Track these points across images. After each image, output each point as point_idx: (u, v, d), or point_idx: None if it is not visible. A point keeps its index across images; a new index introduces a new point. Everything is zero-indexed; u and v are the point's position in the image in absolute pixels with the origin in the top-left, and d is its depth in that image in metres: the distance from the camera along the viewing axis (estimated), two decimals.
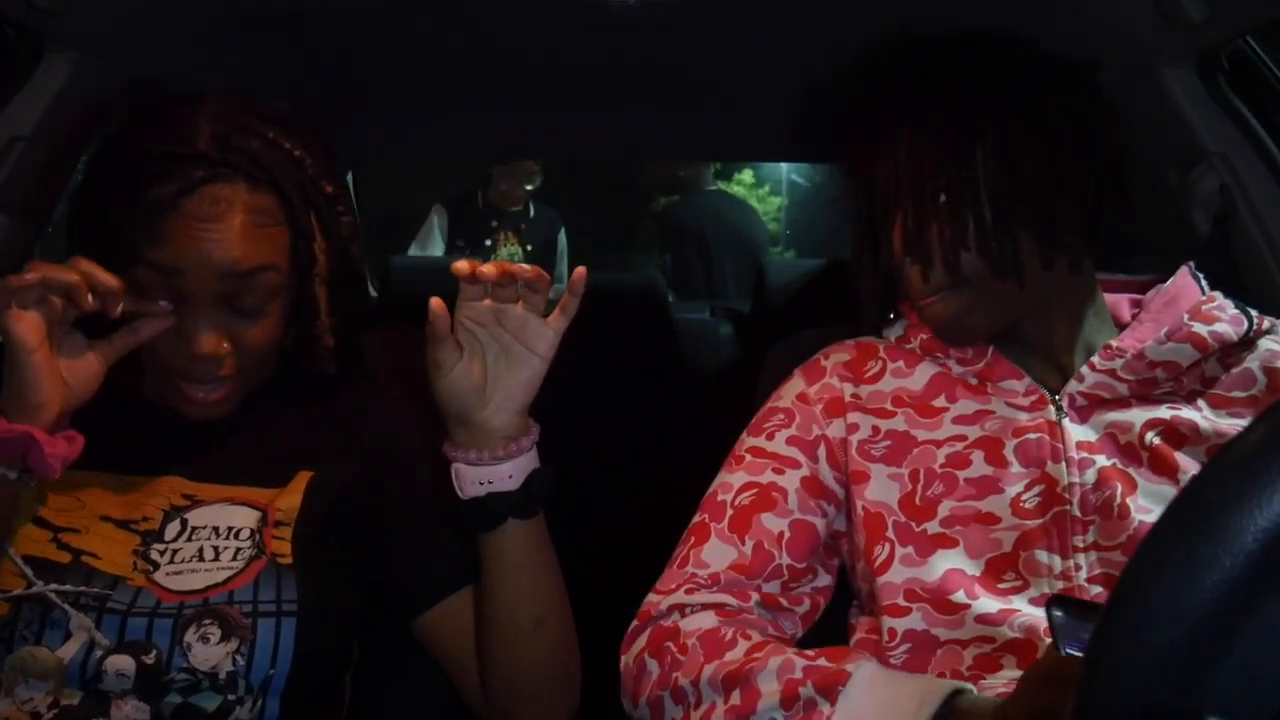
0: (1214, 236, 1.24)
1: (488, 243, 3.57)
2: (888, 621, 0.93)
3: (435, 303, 0.83)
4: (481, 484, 0.87)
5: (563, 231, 3.79)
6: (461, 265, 0.82)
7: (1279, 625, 0.44)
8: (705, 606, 0.93)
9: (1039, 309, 0.99)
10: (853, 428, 1.00)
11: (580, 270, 0.84)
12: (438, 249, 3.49)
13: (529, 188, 3.61)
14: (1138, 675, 0.46)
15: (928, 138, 0.95)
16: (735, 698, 0.84)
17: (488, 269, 0.82)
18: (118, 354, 0.89)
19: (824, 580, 1.01)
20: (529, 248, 3.62)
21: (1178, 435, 0.92)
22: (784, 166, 5.59)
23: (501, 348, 0.86)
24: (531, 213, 3.67)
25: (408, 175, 4.09)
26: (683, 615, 0.93)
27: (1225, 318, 0.97)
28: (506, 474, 0.88)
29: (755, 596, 0.95)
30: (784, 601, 0.97)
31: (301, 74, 1.55)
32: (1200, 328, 0.95)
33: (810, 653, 0.85)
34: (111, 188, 0.90)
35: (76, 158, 1.30)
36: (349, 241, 0.99)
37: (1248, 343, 0.97)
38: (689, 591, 0.94)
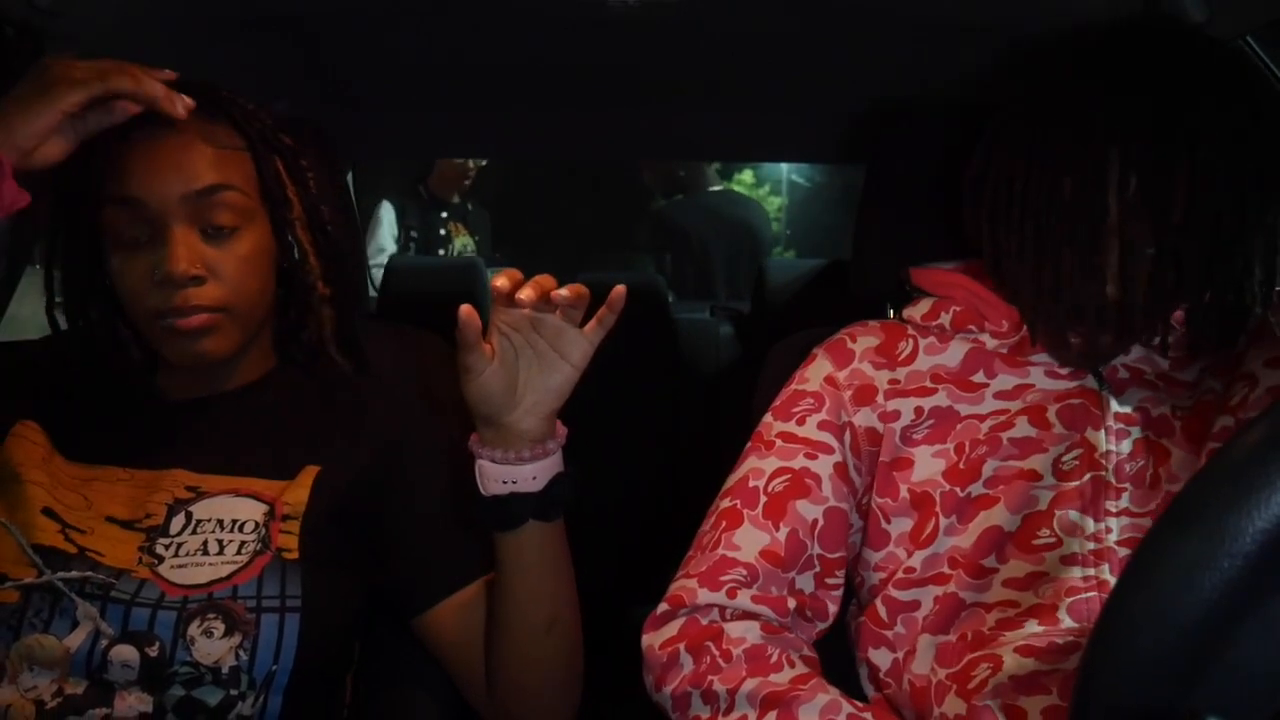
0: None
1: (442, 232, 3.62)
2: (919, 592, 0.93)
3: (465, 309, 0.81)
4: (505, 483, 0.87)
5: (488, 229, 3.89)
6: (502, 283, 0.80)
7: (1278, 626, 0.44)
8: (747, 615, 0.94)
9: None
10: (893, 415, 0.99)
11: (620, 288, 0.82)
12: (388, 244, 3.52)
13: (471, 163, 3.65)
14: (1137, 675, 0.46)
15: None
16: (771, 717, 0.85)
17: (527, 294, 0.79)
18: (89, 132, 0.90)
19: (842, 589, 1.01)
20: (477, 238, 3.70)
21: (1206, 405, 0.93)
22: (784, 166, 5.58)
23: (535, 353, 0.85)
24: (470, 208, 3.75)
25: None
26: (724, 617, 0.93)
27: None
28: (530, 475, 0.87)
29: (793, 604, 0.95)
30: (809, 611, 0.97)
31: (301, 74, 1.55)
32: None
33: (859, 704, 0.87)
34: (82, 150, 0.93)
35: None
36: (319, 199, 1.02)
37: None
38: (730, 594, 0.94)
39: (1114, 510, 0.91)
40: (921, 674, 0.92)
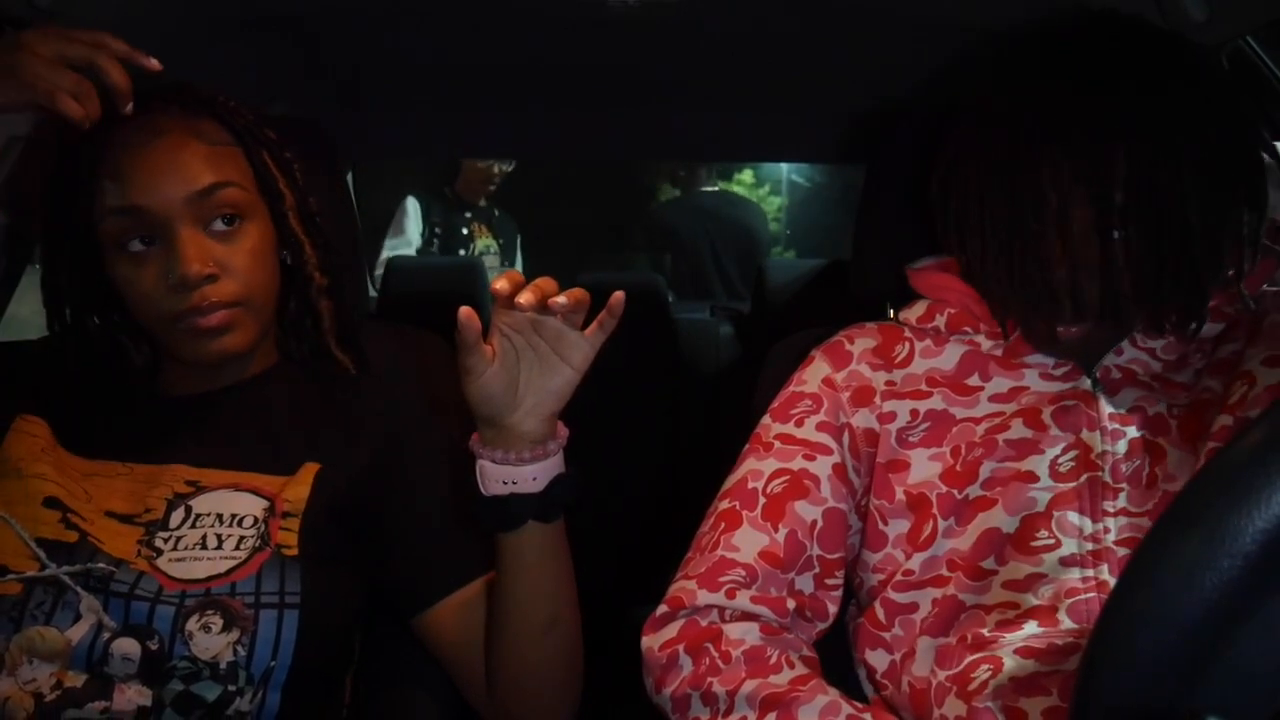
0: None
1: (465, 231, 3.63)
2: (917, 594, 0.94)
3: (465, 311, 0.81)
4: (505, 484, 0.87)
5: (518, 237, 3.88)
6: (502, 286, 0.80)
7: (1278, 626, 0.44)
8: (746, 615, 0.94)
9: None
10: (889, 416, 1.00)
11: (619, 295, 0.83)
12: (414, 238, 3.54)
13: (496, 168, 3.66)
14: (1137, 675, 0.46)
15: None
16: (771, 718, 0.85)
17: (527, 299, 0.79)
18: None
19: (842, 589, 1.01)
20: (501, 241, 3.70)
21: (1203, 404, 0.93)
22: (784, 166, 5.58)
23: (537, 355, 0.85)
24: (496, 213, 3.75)
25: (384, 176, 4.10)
26: (723, 618, 0.94)
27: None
28: (530, 476, 0.87)
29: (792, 605, 0.96)
30: (808, 612, 0.97)
31: (301, 74, 1.55)
32: (1228, 307, 0.96)
33: (859, 705, 0.87)
34: (70, 162, 0.93)
35: None
36: (308, 192, 1.03)
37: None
38: (730, 594, 0.94)
39: (1112, 510, 0.91)
40: (921, 676, 0.92)
